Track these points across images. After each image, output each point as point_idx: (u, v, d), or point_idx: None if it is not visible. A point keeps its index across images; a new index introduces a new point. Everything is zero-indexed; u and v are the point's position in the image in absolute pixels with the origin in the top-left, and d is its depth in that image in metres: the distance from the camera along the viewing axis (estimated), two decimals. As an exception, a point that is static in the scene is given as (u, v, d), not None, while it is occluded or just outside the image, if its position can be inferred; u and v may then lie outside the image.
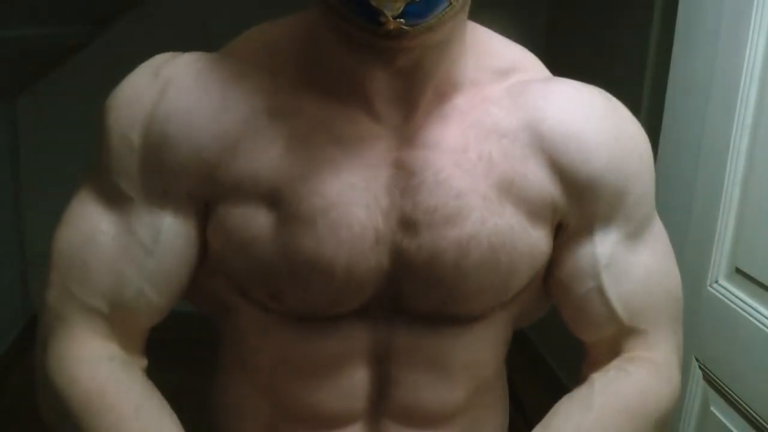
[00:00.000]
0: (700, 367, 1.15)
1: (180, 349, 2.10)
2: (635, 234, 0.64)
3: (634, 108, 2.11)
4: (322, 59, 0.59)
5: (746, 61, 1.04)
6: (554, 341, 2.44)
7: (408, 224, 0.59)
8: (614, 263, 0.64)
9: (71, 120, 2.68)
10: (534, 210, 0.60)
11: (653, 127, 1.81)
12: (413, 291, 0.60)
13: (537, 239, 0.61)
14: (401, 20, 0.51)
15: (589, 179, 0.61)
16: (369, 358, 0.63)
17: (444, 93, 0.60)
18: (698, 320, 1.14)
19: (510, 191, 0.59)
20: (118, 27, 2.61)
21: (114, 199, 0.61)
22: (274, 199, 0.58)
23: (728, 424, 1.09)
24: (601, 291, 0.64)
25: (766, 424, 0.99)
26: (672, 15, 1.71)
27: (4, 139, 2.60)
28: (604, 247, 0.63)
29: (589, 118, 0.61)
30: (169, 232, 0.60)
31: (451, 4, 0.53)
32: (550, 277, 0.66)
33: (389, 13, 0.51)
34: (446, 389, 0.65)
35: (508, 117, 0.61)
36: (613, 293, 0.64)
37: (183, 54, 0.62)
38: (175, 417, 0.60)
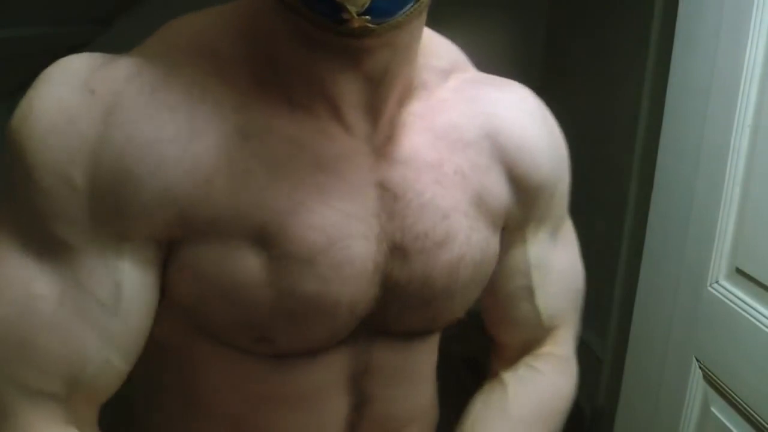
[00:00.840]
0: (700, 368, 1.15)
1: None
2: (555, 232, 0.67)
3: (634, 108, 2.11)
4: (277, 62, 0.51)
5: (746, 60, 1.04)
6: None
7: (398, 251, 0.55)
8: (541, 262, 0.66)
9: (71, 120, 2.68)
10: (495, 219, 0.61)
11: (653, 127, 1.81)
12: (401, 314, 0.58)
13: (496, 246, 0.62)
14: (367, 17, 0.46)
15: (536, 186, 0.62)
16: (348, 381, 0.60)
17: (403, 98, 0.57)
18: (698, 320, 1.14)
19: (480, 205, 0.59)
20: (118, 27, 2.61)
21: (49, 251, 0.48)
22: (261, 237, 0.50)
23: (728, 425, 1.09)
24: (530, 290, 0.66)
25: (766, 425, 0.99)
26: (672, 15, 1.71)
27: (4, 139, 2.59)
28: (534, 246, 0.65)
29: (534, 128, 0.63)
30: (131, 284, 0.49)
31: (418, 0, 0.49)
32: None
33: (353, 9, 0.45)
34: (415, 397, 0.67)
35: (468, 126, 0.59)
36: (540, 294, 0.66)
37: (113, 61, 0.49)
38: None
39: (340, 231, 0.52)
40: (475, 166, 0.59)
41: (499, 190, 0.60)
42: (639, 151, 1.95)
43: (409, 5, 0.48)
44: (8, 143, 0.49)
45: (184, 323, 0.55)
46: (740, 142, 1.06)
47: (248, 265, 0.50)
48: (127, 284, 0.49)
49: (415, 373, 0.65)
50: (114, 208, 0.47)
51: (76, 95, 0.47)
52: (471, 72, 0.65)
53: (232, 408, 0.59)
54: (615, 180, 2.07)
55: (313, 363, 0.57)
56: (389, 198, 0.55)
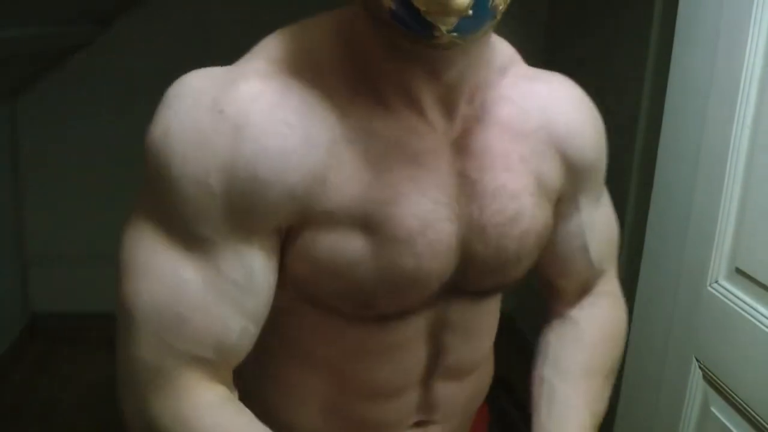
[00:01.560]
0: (700, 367, 1.15)
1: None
2: (598, 196, 0.80)
3: (634, 109, 2.11)
4: (369, 71, 0.61)
5: (746, 60, 1.04)
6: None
7: (477, 228, 0.66)
8: (591, 223, 0.78)
9: (71, 120, 2.68)
10: (550, 196, 0.72)
11: (653, 128, 1.81)
12: (477, 277, 0.69)
13: (551, 218, 0.73)
14: (455, 34, 0.53)
15: (585, 166, 0.73)
16: (427, 335, 0.71)
17: (473, 98, 0.66)
18: (698, 320, 1.14)
19: (541, 186, 0.69)
20: (119, 27, 2.61)
21: (194, 245, 0.59)
22: (368, 224, 0.61)
23: (728, 424, 1.09)
24: (585, 247, 0.78)
25: (766, 424, 0.99)
26: (672, 15, 1.70)
27: (4, 139, 2.60)
28: (586, 212, 0.77)
29: (580, 116, 0.73)
30: (260, 268, 0.60)
31: (496, 17, 0.56)
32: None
33: (444, 28, 0.52)
34: (478, 348, 0.77)
35: (526, 118, 0.69)
36: (592, 247, 0.79)
37: (234, 82, 0.58)
38: None
39: (433, 215, 0.63)
40: (534, 153, 0.69)
41: (554, 172, 0.71)
42: (639, 151, 1.95)
43: (489, 21, 0.56)
44: (151, 156, 0.58)
45: (292, 292, 0.65)
46: (740, 142, 1.06)
47: (356, 247, 0.61)
48: (257, 268, 0.60)
49: (482, 327, 0.77)
50: (246, 208, 0.58)
51: (207, 115, 0.57)
52: (522, 67, 0.73)
53: (330, 359, 0.70)
54: (615, 180, 2.07)
55: (402, 322, 0.68)
56: (469, 184, 0.65)
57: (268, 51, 0.62)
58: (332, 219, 0.60)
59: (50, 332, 2.73)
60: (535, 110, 0.70)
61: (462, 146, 0.65)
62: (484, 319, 0.77)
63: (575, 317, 0.82)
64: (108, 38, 2.61)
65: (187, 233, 0.58)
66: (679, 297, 1.18)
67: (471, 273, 0.68)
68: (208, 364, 0.61)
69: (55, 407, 2.34)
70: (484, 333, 0.79)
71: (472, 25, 0.54)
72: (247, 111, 0.56)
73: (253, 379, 0.72)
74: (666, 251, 1.25)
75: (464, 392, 0.78)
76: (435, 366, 0.73)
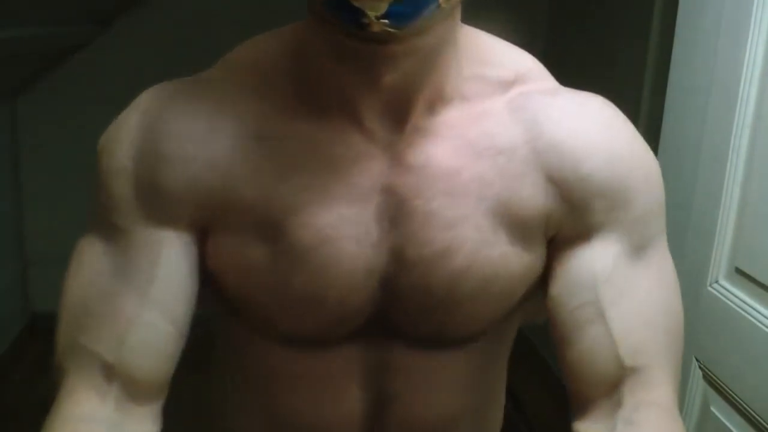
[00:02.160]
0: (700, 367, 1.15)
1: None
2: (638, 251, 0.58)
3: (634, 109, 2.12)
4: (313, 75, 0.57)
5: (746, 61, 1.04)
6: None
7: (398, 257, 0.57)
8: (613, 279, 0.57)
9: (71, 120, 2.68)
10: (528, 231, 0.58)
11: (653, 128, 1.81)
12: (406, 319, 0.59)
13: (532, 260, 0.59)
14: (385, 21, 0.48)
15: (584, 189, 0.57)
16: (365, 377, 0.63)
17: (434, 107, 0.57)
18: (698, 320, 1.14)
19: (504, 215, 0.57)
20: (119, 27, 2.61)
21: (111, 237, 0.58)
22: (266, 230, 0.56)
23: (728, 424, 1.08)
24: (598, 309, 0.56)
25: (766, 424, 0.99)
26: (672, 15, 1.70)
27: (4, 139, 2.60)
28: (603, 259, 0.57)
29: (588, 131, 0.58)
30: (171, 259, 0.57)
31: (440, 6, 0.50)
32: (546, 298, 0.61)
33: (372, 14, 0.48)
34: (447, 402, 0.65)
35: (506, 132, 0.57)
36: (614, 314, 0.56)
37: (166, 86, 0.60)
38: None
39: (333, 231, 0.56)
40: (503, 173, 0.57)
41: (533, 195, 0.57)
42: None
43: (428, 9, 0.49)
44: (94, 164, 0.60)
45: (226, 310, 0.63)
46: (740, 141, 1.06)
47: (255, 254, 0.57)
48: (167, 255, 0.57)
49: (446, 380, 0.64)
50: (154, 185, 0.57)
51: (134, 116, 0.58)
52: (541, 84, 0.60)
53: (261, 387, 0.66)
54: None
55: (326, 352, 0.61)
56: (395, 203, 0.56)
57: (227, 57, 0.62)
58: (235, 219, 0.57)
59: (50, 332, 2.70)
60: (521, 125, 0.58)
61: (401, 160, 0.56)
62: (452, 371, 0.64)
63: None
64: (108, 38, 2.61)
65: (108, 226, 0.58)
66: (679, 297, 1.18)
67: (399, 312, 0.59)
68: (106, 369, 0.55)
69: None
70: (457, 387, 0.65)
71: (406, 12, 0.48)
72: (161, 101, 0.58)
73: (216, 401, 0.71)
74: (666, 251, 1.25)
75: None
76: (382, 418, 0.64)
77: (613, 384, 0.56)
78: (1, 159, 2.59)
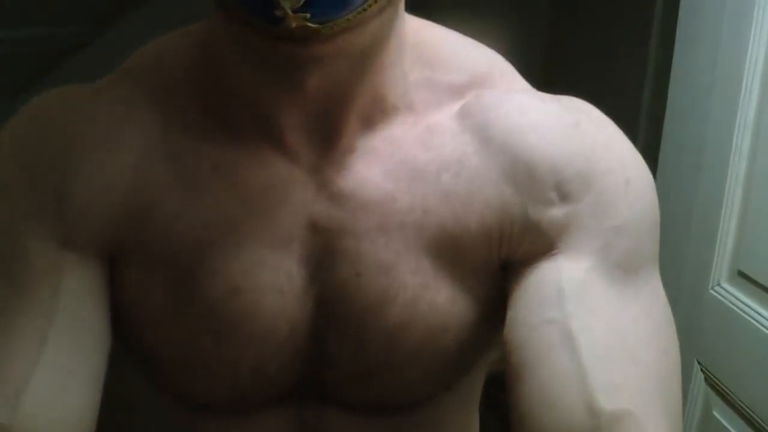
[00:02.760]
0: (702, 371, 1.14)
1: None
2: (620, 271, 0.45)
3: (635, 110, 2.10)
4: (221, 82, 0.47)
5: (748, 60, 1.03)
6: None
7: (328, 311, 0.47)
8: (586, 295, 0.43)
9: (71, 120, 2.68)
10: (479, 261, 0.47)
11: (655, 129, 1.80)
12: (339, 384, 0.49)
13: (488, 297, 0.48)
14: (305, 14, 0.38)
15: (543, 188, 0.45)
16: None
17: (372, 120, 0.47)
18: (700, 323, 1.13)
19: (449, 248, 0.46)
20: (120, 27, 2.61)
21: (2, 264, 0.46)
22: (171, 271, 0.46)
23: (731, 428, 1.07)
24: (565, 330, 0.41)
25: (768, 429, 0.98)
26: (673, 14, 1.69)
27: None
28: (571, 270, 0.44)
29: (555, 132, 0.46)
30: (70, 284, 0.45)
31: None
32: (509, 316, 0.47)
33: (287, 5, 0.38)
34: None
35: (452, 143, 0.47)
36: (582, 339, 0.41)
37: (58, 89, 0.50)
38: None
39: (246, 281, 0.45)
40: (447, 195, 0.46)
41: (484, 217, 0.46)
42: (640, 151, 1.94)
43: (357, 2, 0.40)
44: None
45: (132, 362, 0.52)
46: (742, 142, 1.05)
47: (159, 299, 0.46)
48: (66, 283, 0.45)
49: None
50: (50, 207, 0.46)
51: (23, 123, 0.49)
52: (501, 86, 0.49)
53: None
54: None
55: (247, 421, 0.51)
56: (321, 243, 0.46)
57: (130, 60, 0.52)
58: (139, 251, 0.46)
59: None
60: (472, 127, 0.47)
61: (328, 187, 0.46)
62: None
63: None
64: (108, 38, 2.61)
65: (11, 242, 0.47)
66: (680, 300, 1.17)
67: (331, 376, 0.49)
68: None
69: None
70: None
71: (330, 3, 0.38)
72: (56, 116, 0.48)
73: None
74: (667, 253, 1.24)
75: None
76: None
77: None
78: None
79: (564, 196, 0.45)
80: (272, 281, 0.46)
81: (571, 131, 0.46)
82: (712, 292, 1.11)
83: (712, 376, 1.11)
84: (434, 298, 0.46)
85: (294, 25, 0.39)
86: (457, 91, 0.49)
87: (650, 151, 1.90)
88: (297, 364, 0.48)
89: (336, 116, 0.46)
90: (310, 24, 0.39)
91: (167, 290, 0.46)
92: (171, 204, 0.46)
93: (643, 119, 1.94)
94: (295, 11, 0.38)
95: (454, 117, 0.48)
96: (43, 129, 0.47)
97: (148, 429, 0.56)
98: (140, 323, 0.47)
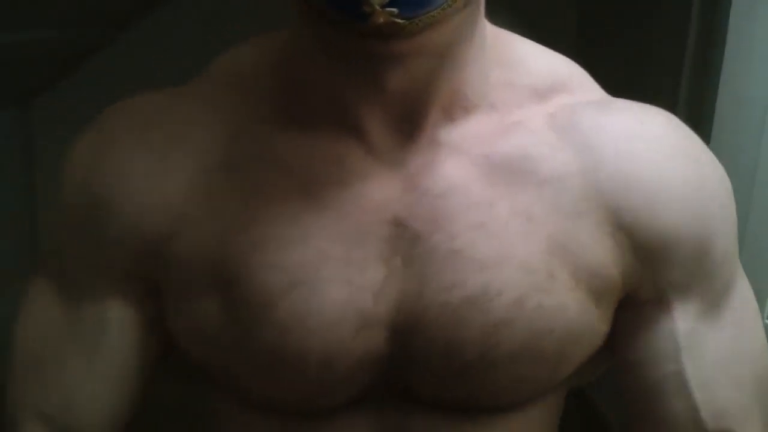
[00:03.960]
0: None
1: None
2: (718, 301, 0.53)
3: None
4: (300, 83, 0.49)
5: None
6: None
7: (414, 305, 0.46)
8: (695, 342, 0.51)
9: (86, 125, 2.64)
10: (595, 281, 0.48)
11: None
12: (427, 383, 0.49)
13: (597, 318, 0.50)
14: (392, 10, 0.40)
15: (661, 240, 0.48)
16: None
17: (453, 114, 0.48)
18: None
19: (564, 257, 0.47)
20: (136, 29, 2.57)
21: (59, 286, 0.53)
22: (224, 276, 0.47)
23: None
24: (681, 379, 0.50)
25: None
26: (709, 20, 1.61)
27: (18, 143, 2.57)
28: (684, 323, 0.51)
29: (658, 162, 0.48)
30: (115, 324, 0.52)
31: None
32: (617, 364, 0.55)
33: (375, 1, 0.40)
34: None
35: (552, 158, 0.47)
36: (695, 382, 0.51)
37: (134, 101, 0.52)
38: None
39: (306, 273, 0.46)
40: (552, 209, 0.47)
41: (595, 242, 0.47)
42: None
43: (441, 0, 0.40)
44: None
45: (196, 375, 0.55)
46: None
47: (213, 307, 0.48)
48: (113, 321, 0.52)
49: None
50: (94, 234, 0.51)
51: (91, 135, 0.53)
52: (584, 95, 0.52)
53: None
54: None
55: (320, 425, 0.51)
56: (408, 239, 0.46)
57: (208, 70, 0.56)
58: (188, 267, 0.48)
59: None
60: (571, 149, 0.48)
61: (416, 183, 0.47)
62: None
63: None
64: (124, 41, 2.57)
65: (59, 268, 0.54)
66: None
67: (418, 374, 0.48)
68: (54, 424, 0.54)
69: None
70: None
71: (413, 0, 0.40)
72: (118, 128, 0.51)
73: None
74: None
75: None
76: None
77: None
78: (15, 163, 2.56)
79: (682, 249, 0.49)
80: (338, 273, 0.46)
81: (678, 165, 0.49)
82: (767, 322, 1.03)
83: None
84: (543, 300, 0.46)
85: (381, 20, 0.40)
86: (538, 93, 0.50)
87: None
88: (375, 363, 0.47)
89: (418, 111, 0.47)
90: (397, 20, 0.40)
91: (222, 296, 0.47)
92: (228, 210, 0.48)
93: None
94: (383, 7, 0.40)
95: (543, 121, 0.49)
96: (99, 143, 0.51)
97: None
98: (196, 334, 0.49)
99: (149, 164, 0.49)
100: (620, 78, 2.23)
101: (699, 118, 1.66)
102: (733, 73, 1.14)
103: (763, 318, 1.05)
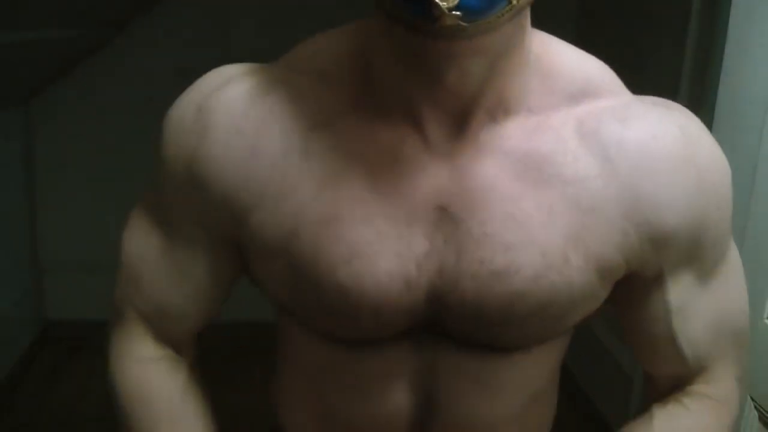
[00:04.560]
0: (756, 408, 1.06)
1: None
2: (708, 273, 0.62)
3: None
4: (374, 78, 0.56)
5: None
6: (596, 379, 2.35)
7: (450, 274, 0.56)
8: (685, 307, 0.62)
9: (85, 125, 2.64)
10: (602, 264, 0.57)
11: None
12: (457, 329, 0.60)
13: (598, 289, 0.59)
14: (457, 14, 0.47)
15: (662, 236, 0.57)
16: (414, 378, 0.63)
17: (496, 116, 0.55)
18: (753, 356, 1.05)
19: (578, 244, 0.55)
20: (133, 30, 2.57)
21: (162, 218, 0.65)
22: (293, 246, 0.57)
23: (786, 471, 1.00)
24: (671, 335, 0.63)
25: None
26: (709, 20, 1.61)
27: (18, 144, 2.57)
28: (676, 293, 0.61)
29: (666, 173, 0.56)
30: (203, 261, 0.64)
31: (511, 3, 0.49)
32: (619, 315, 0.66)
33: (444, 5, 0.46)
34: (495, 406, 0.65)
35: (575, 164, 0.55)
36: (682, 337, 0.63)
37: (229, 84, 0.59)
38: (209, 421, 0.70)
39: (366, 248, 0.55)
40: (572, 205, 0.55)
41: (609, 234, 0.56)
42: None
43: (500, 5, 0.48)
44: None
45: (276, 306, 0.67)
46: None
47: (281, 266, 0.58)
48: (200, 260, 0.64)
49: (496, 384, 0.64)
50: (194, 201, 0.61)
51: (191, 111, 0.60)
52: (611, 99, 0.58)
53: (314, 383, 0.68)
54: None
55: (373, 352, 0.62)
56: (450, 222, 0.56)
57: (290, 55, 0.62)
58: (265, 235, 0.58)
59: (64, 340, 2.69)
60: (593, 155, 0.56)
61: (460, 177, 0.56)
62: (501, 378, 0.64)
63: (653, 414, 0.68)
64: (123, 41, 2.57)
65: (159, 207, 0.65)
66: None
67: (449, 324, 0.59)
68: (152, 323, 0.68)
69: (70, 418, 2.29)
70: (509, 392, 0.65)
71: (478, 5, 0.47)
72: (218, 113, 0.59)
73: (274, 392, 0.76)
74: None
75: None
76: (428, 419, 0.65)
77: (678, 377, 0.67)
78: (15, 164, 2.56)
79: (681, 241, 0.58)
80: (391, 247, 0.55)
81: (681, 168, 0.56)
82: (766, 321, 1.04)
83: (766, 414, 1.03)
84: (554, 279, 0.56)
85: (448, 22, 0.47)
86: (572, 97, 0.57)
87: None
88: (414, 314, 0.58)
89: (467, 110, 0.54)
90: (461, 22, 0.47)
91: (294, 258, 0.57)
92: (304, 189, 0.56)
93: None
94: (450, 10, 0.46)
95: (572, 127, 0.56)
96: (201, 125, 0.58)
97: (296, 351, 0.70)
98: (275, 283, 0.61)
99: (239, 152, 0.57)
100: (620, 78, 2.23)
101: (699, 118, 1.66)
102: (733, 73, 1.14)
103: (763, 318, 1.06)
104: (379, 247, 0.55)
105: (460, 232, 0.55)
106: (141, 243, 0.66)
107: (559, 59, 0.59)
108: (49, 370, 2.57)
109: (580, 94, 0.58)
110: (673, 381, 0.68)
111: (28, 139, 2.62)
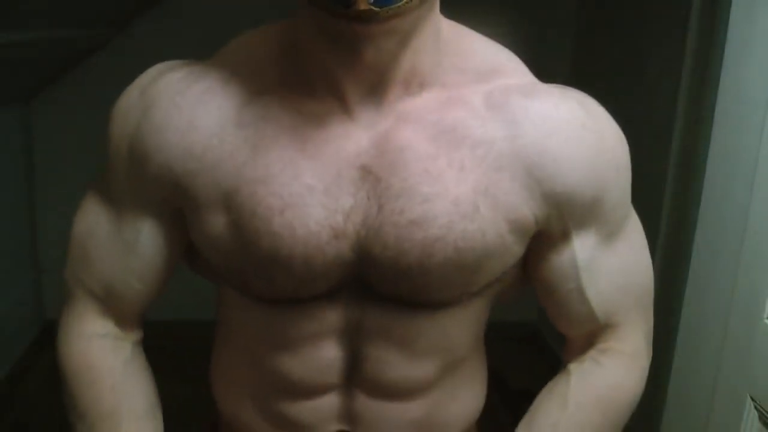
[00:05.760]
0: (756, 408, 1.05)
1: (187, 361, 2.04)
2: (612, 234, 0.69)
3: (669, 114, 1.98)
4: (301, 59, 0.64)
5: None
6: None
7: (372, 224, 0.62)
8: (592, 265, 0.68)
9: (85, 124, 2.63)
10: (511, 217, 0.63)
11: (690, 135, 1.71)
12: (380, 280, 0.65)
13: (511, 243, 0.65)
14: (371, 1, 0.55)
15: (565, 192, 0.64)
16: (341, 336, 0.69)
17: (411, 88, 0.63)
18: (753, 355, 1.05)
19: (486, 195, 0.62)
20: (134, 29, 2.57)
21: (110, 197, 0.70)
22: (234, 202, 0.63)
23: (786, 471, 0.99)
24: (580, 291, 0.69)
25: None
26: (709, 17, 1.61)
27: (18, 143, 2.56)
28: (582, 251, 0.68)
29: (566, 136, 0.63)
30: (148, 234, 0.69)
31: None
32: (532, 276, 0.71)
33: None
34: (414, 366, 0.70)
35: (483, 127, 0.63)
36: (591, 293, 0.69)
37: (168, 72, 0.67)
38: (151, 395, 0.74)
39: (297, 199, 0.62)
40: (481, 162, 0.62)
41: (515, 189, 0.63)
42: (674, 158, 1.85)
43: None
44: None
45: (215, 276, 0.72)
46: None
47: (224, 224, 0.64)
48: (146, 234, 0.69)
49: (415, 343, 0.69)
50: (139, 175, 0.66)
51: (135, 96, 0.67)
52: (519, 79, 0.66)
53: (250, 347, 0.73)
54: (647, 191, 1.97)
55: (303, 312, 0.67)
56: (372, 180, 0.62)
57: (223, 49, 0.69)
58: (205, 197, 0.64)
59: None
60: (499, 122, 0.63)
61: (380, 141, 0.63)
62: (425, 338, 0.69)
63: (570, 371, 0.74)
64: (124, 40, 2.57)
65: (108, 187, 0.70)
66: (732, 330, 1.09)
67: (373, 273, 0.64)
68: (99, 300, 0.72)
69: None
70: (428, 353, 0.70)
71: None
72: (158, 95, 0.65)
73: (210, 371, 0.80)
74: (715, 278, 1.16)
75: (405, 415, 0.72)
76: (354, 375, 0.70)
77: (590, 334, 0.73)
78: (15, 163, 2.56)
79: (582, 201, 0.64)
80: (319, 200, 0.62)
81: (583, 137, 0.64)
82: (766, 322, 1.03)
83: (766, 414, 1.03)
84: (467, 226, 0.62)
85: (362, 7, 0.55)
86: (482, 75, 0.65)
87: (685, 159, 1.82)
88: (341, 263, 0.63)
89: (384, 83, 0.62)
90: (373, 7, 0.55)
91: (232, 214, 0.63)
92: (240, 155, 0.63)
93: (677, 125, 1.85)
94: None
95: (481, 99, 0.64)
96: (143, 104, 0.65)
97: (234, 321, 0.75)
98: (214, 244, 0.65)
99: (178, 124, 0.64)
100: (620, 78, 2.23)
101: (699, 118, 1.66)
102: (733, 73, 1.14)
103: (763, 318, 1.06)
104: (309, 199, 0.62)
105: (381, 187, 0.62)
106: (90, 221, 0.71)
107: (471, 44, 0.67)
108: (49, 370, 2.57)
109: (490, 74, 0.65)
110: (587, 339, 0.74)
111: (28, 138, 2.61)
